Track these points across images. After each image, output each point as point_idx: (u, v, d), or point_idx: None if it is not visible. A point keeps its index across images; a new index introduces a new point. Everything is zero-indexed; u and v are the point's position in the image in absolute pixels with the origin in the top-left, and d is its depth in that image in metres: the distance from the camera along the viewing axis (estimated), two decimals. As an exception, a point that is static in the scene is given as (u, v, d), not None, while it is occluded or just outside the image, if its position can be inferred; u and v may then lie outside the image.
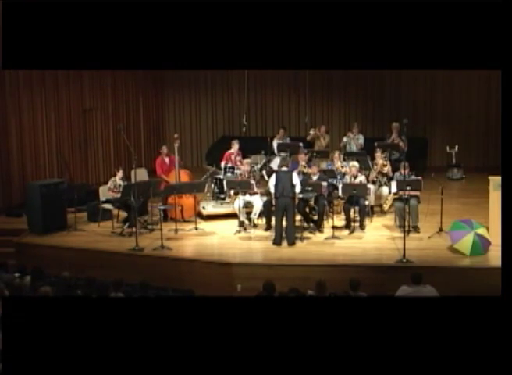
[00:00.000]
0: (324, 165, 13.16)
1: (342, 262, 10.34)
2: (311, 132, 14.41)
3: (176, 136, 13.02)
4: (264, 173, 13.10)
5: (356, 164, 12.03)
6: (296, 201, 11.36)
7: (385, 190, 12.33)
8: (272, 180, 11.20)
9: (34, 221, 12.10)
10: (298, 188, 11.10)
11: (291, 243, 11.03)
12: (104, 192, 12.42)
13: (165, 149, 13.06)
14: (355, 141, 13.98)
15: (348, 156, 13.31)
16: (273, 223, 11.54)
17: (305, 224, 11.68)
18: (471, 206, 12.74)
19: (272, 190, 11.17)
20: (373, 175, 12.39)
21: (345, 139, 14.18)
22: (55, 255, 11.29)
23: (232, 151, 13.16)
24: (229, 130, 17.66)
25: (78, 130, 15.11)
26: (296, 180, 11.09)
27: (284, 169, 11.25)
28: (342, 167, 12.44)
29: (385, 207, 12.33)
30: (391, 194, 11.88)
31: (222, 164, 13.04)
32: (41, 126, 14.31)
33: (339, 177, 12.18)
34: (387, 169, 12.37)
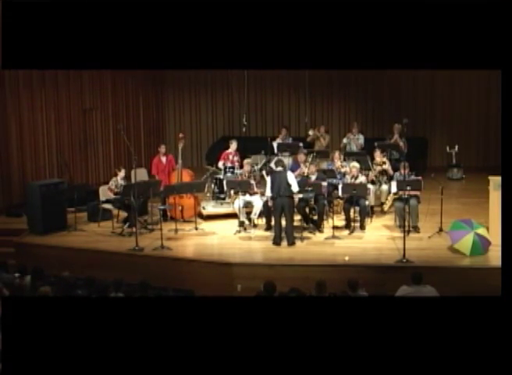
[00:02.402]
0: (324, 165, 13.17)
1: (342, 262, 10.33)
2: (310, 133, 14.39)
3: (181, 135, 12.96)
4: (264, 173, 13.10)
5: (356, 165, 12.03)
6: (296, 200, 11.35)
7: (384, 188, 12.34)
8: (268, 183, 11.19)
9: (34, 221, 12.10)
10: (295, 187, 11.00)
11: (291, 243, 11.02)
12: (104, 192, 12.42)
13: (163, 148, 12.95)
14: (355, 141, 13.99)
15: (348, 156, 13.32)
16: (273, 222, 11.58)
17: (305, 224, 11.68)
18: (471, 206, 12.74)
19: (268, 193, 11.14)
20: (373, 174, 12.36)
21: (345, 140, 14.19)
22: (55, 255, 11.28)
23: (230, 150, 13.16)
24: (229, 130, 17.67)
25: (78, 130, 15.11)
26: (291, 179, 10.98)
27: (279, 169, 11.21)
28: (342, 167, 12.43)
29: (386, 207, 12.33)
30: (391, 194, 11.88)
31: (220, 163, 13.03)
32: (41, 126, 14.32)
33: (339, 177, 12.17)
34: (387, 166, 12.37)
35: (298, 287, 8.38)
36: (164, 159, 12.90)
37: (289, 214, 11.02)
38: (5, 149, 13.56)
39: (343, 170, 12.33)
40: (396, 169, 12.14)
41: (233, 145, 13.13)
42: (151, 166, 13.05)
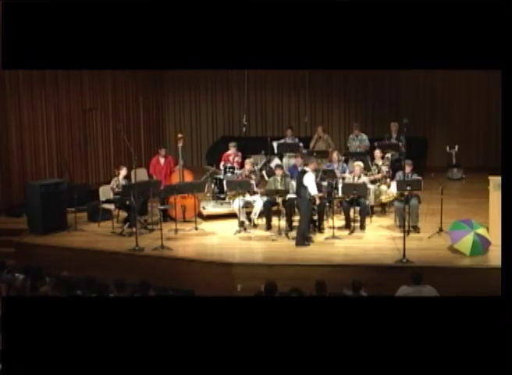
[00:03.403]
0: (324, 165, 13.15)
1: (342, 262, 10.34)
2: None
3: (180, 135, 12.94)
4: (264, 173, 13.09)
5: (360, 164, 12.03)
6: (318, 201, 11.23)
7: (383, 188, 12.31)
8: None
9: (34, 221, 12.09)
10: (312, 190, 10.92)
11: (297, 244, 10.96)
12: (104, 192, 12.42)
13: (163, 151, 12.99)
14: (361, 143, 14.00)
15: (350, 157, 13.31)
16: (274, 222, 11.64)
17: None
18: (471, 206, 12.73)
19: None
20: (373, 177, 12.33)
21: (348, 144, 14.25)
22: (55, 255, 11.28)
23: (229, 152, 13.15)
24: (229, 130, 17.65)
25: (78, 130, 15.10)
26: (307, 181, 10.89)
27: (305, 168, 11.13)
28: (340, 177, 12.36)
29: (383, 198, 12.20)
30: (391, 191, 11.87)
31: (221, 165, 13.03)
32: (41, 126, 14.31)
33: (336, 182, 12.08)
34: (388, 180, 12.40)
35: (298, 287, 8.36)
36: (162, 160, 12.90)
37: (302, 215, 11.05)
38: (5, 149, 13.55)
39: (340, 182, 12.25)
40: (396, 169, 12.12)
41: (232, 149, 13.12)
42: (149, 165, 13.07)
